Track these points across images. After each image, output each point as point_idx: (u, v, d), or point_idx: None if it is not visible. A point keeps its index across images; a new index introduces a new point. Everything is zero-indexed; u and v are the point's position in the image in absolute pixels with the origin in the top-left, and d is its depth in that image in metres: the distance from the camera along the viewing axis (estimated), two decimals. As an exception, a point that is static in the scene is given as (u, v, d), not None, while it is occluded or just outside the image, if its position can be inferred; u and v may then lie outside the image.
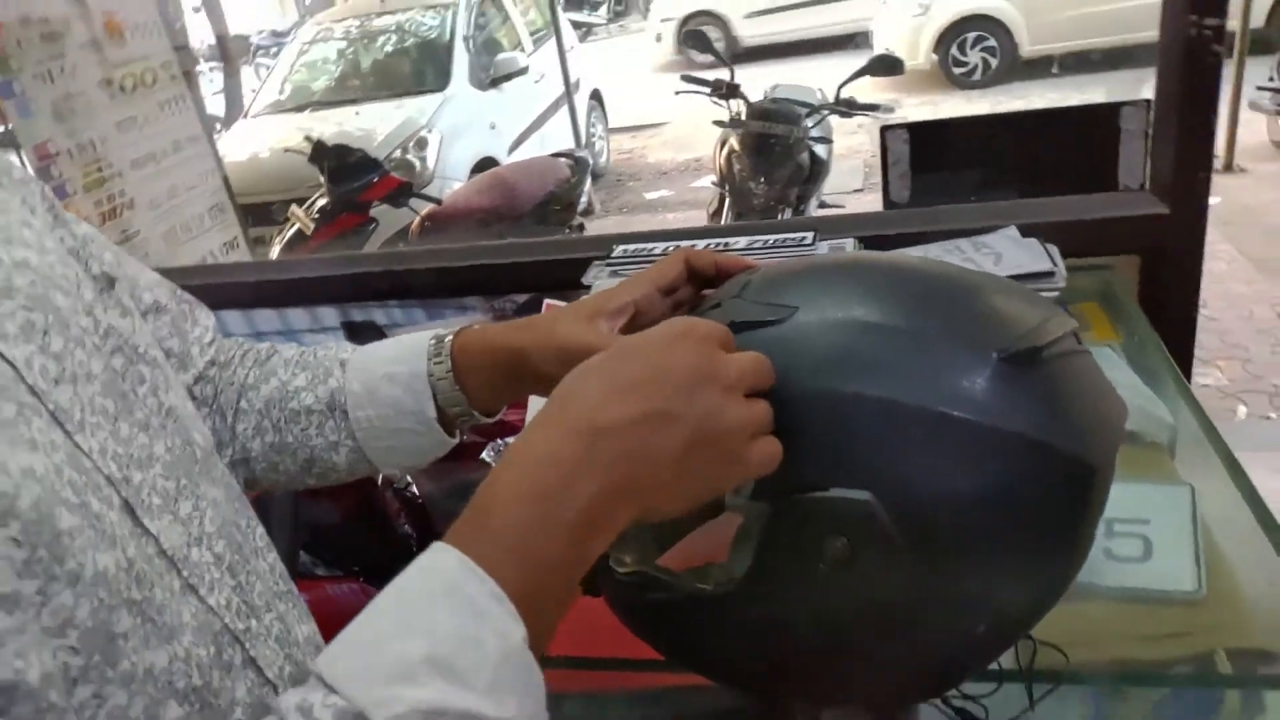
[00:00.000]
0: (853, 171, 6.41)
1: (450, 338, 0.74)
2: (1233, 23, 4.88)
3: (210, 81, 7.19)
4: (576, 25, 10.58)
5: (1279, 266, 4.25)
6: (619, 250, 1.35)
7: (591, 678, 0.61)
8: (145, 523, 0.53)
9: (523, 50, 6.80)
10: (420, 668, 0.43)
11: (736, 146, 4.12)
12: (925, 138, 1.52)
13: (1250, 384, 3.34)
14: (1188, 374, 1.26)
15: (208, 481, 0.61)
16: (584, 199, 4.68)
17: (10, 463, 0.44)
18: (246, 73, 10.48)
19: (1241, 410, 3.18)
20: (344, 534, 1.72)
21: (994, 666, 0.65)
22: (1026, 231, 1.26)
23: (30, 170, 2.05)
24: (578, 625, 0.85)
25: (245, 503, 0.67)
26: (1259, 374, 3.40)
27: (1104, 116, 1.39)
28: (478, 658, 0.44)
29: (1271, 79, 5.52)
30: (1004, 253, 1.22)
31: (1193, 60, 1.19)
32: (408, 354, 0.75)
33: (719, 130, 4.39)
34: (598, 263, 1.35)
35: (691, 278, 0.72)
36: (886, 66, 3.79)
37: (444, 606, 0.45)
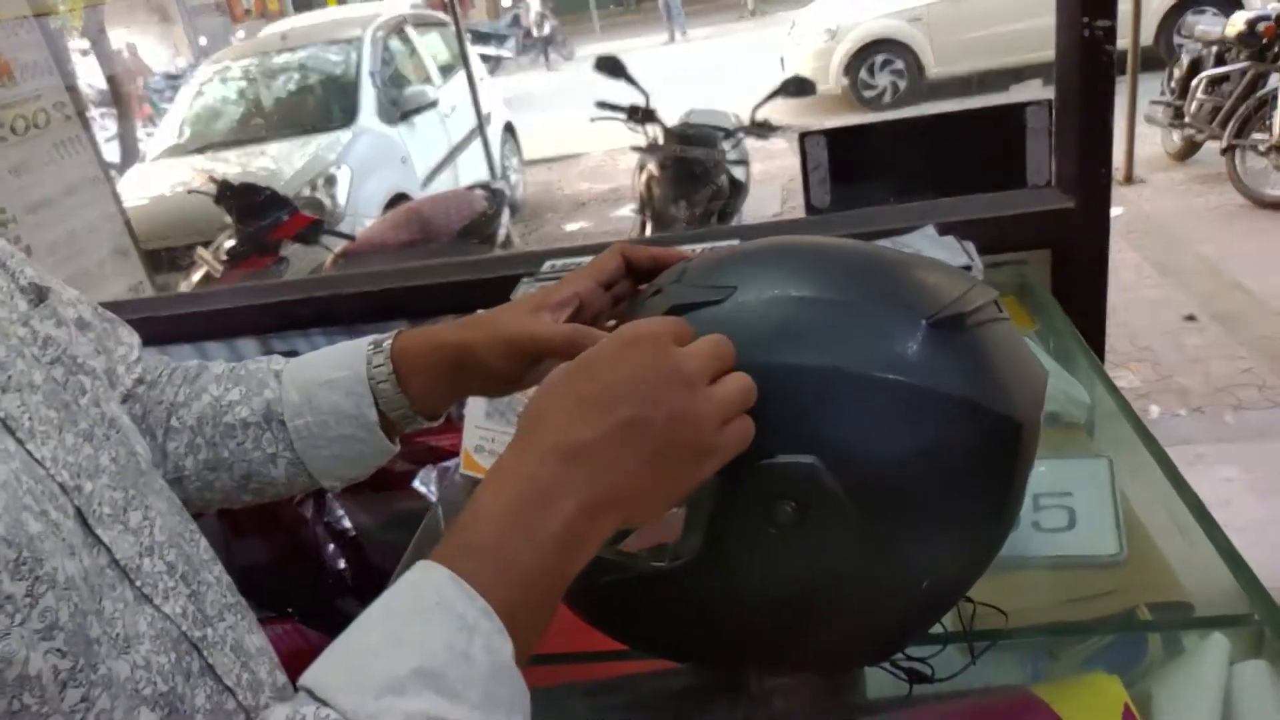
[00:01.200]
0: (770, 196, 6.53)
1: (389, 341, 0.74)
2: (1124, 41, 5.14)
3: (102, 128, 6.98)
4: (485, 59, 10.59)
5: (1181, 270, 4.44)
6: (548, 266, 1.36)
7: (547, 673, 0.61)
8: (98, 532, 0.53)
9: (431, 84, 6.78)
10: (411, 680, 0.43)
11: (655, 171, 4.17)
12: (843, 143, 1.56)
13: (1160, 384, 3.49)
14: (1101, 358, 1.32)
15: (152, 493, 0.61)
16: (502, 231, 4.67)
17: None
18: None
19: (1154, 409, 3.32)
20: (276, 573, 1.67)
21: (937, 629, 0.67)
22: (944, 230, 1.31)
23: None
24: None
25: (187, 515, 0.66)
26: (1168, 374, 3.55)
27: (1010, 116, 1.44)
28: (469, 672, 0.44)
29: (1163, 93, 5.80)
30: (923, 250, 1.26)
31: (1088, 59, 1.25)
32: (347, 359, 0.74)
33: (636, 158, 4.44)
34: (526, 279, 1.35)
35: (629, 271, 0.73)
36: (799, 87, 3.89)
37: (434, 621, 0.45)
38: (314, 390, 0.74)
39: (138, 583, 0.54)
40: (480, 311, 0.74)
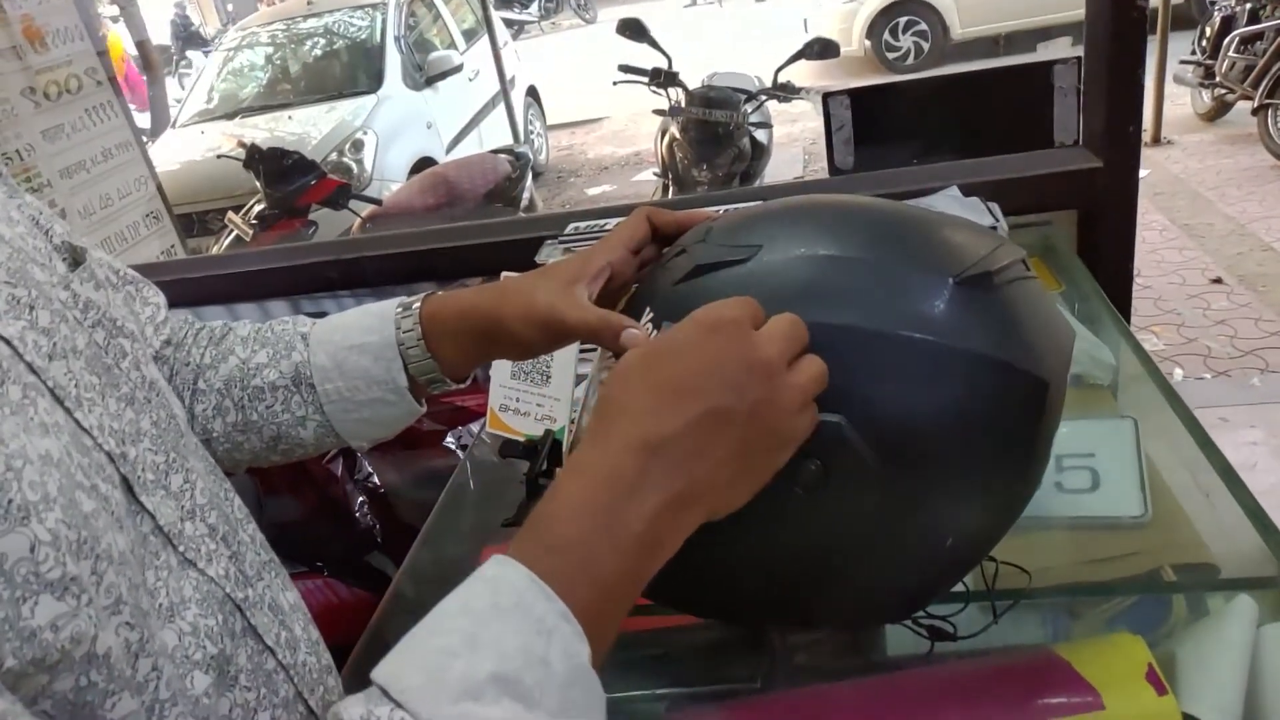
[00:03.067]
0: (793, 159, 6.48)
1: (418, 304, 0.74)
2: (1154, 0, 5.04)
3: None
4: (508, 23, 10.52)
5: (1208, 232, 4.38)
6: (572, 228, 1.36)
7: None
8: (142, 500, 0.53)
9: (456, 49, 6.75)
10: (488, 686, 0.42)
11: (678, 134, 4.14)
12: (867, 103, 1.55)
13: (1185, 347, 3.46)
14: (1127, 319, 1.31)
15: (191, 454, 0.61)
16: (526, 196, 4.66)
17: (31, 449, 0.43)
18: (170, 83, 10.28)
19: (1178, 373, 3.29)
20: (307, 529, 1.70)
21: (960, 588, 0.68)
22: (968, 191, 1.30)
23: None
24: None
25: (222, 475, 0.67)
26: (1192, 337, 3.52)
27: (1037, 75, 1.43)
28: (545, 677, 0.43)
29: (1194, 53, 5.69)
30: (948, 211, 1.26)
31: (1119, 15, 1.24)
32: (375, 323, 0.74)
33: (658, 122, 4.41)
34: (550, 241, 1.35)
35: (654, 235, 0.72)
36: (822, 49, 3.83)
37: (511, 623, 0.44)
38: (343, 354, 0.74)
39: (180, 548, 0.55)
40: (511, 277, 0.74)
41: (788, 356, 0.52)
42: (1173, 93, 5.68)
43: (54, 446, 0.45)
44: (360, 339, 0.74)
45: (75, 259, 0.60)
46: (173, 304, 0.80)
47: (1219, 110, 5.69)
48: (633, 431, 0.49)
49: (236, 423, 0.75)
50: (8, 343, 0.47)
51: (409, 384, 0.74)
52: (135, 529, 0.51)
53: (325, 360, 0.74)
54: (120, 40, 6.88)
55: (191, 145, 5.66)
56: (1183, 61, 5.67)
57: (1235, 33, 5.27)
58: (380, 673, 0.43)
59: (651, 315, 0.62)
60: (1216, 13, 5.55)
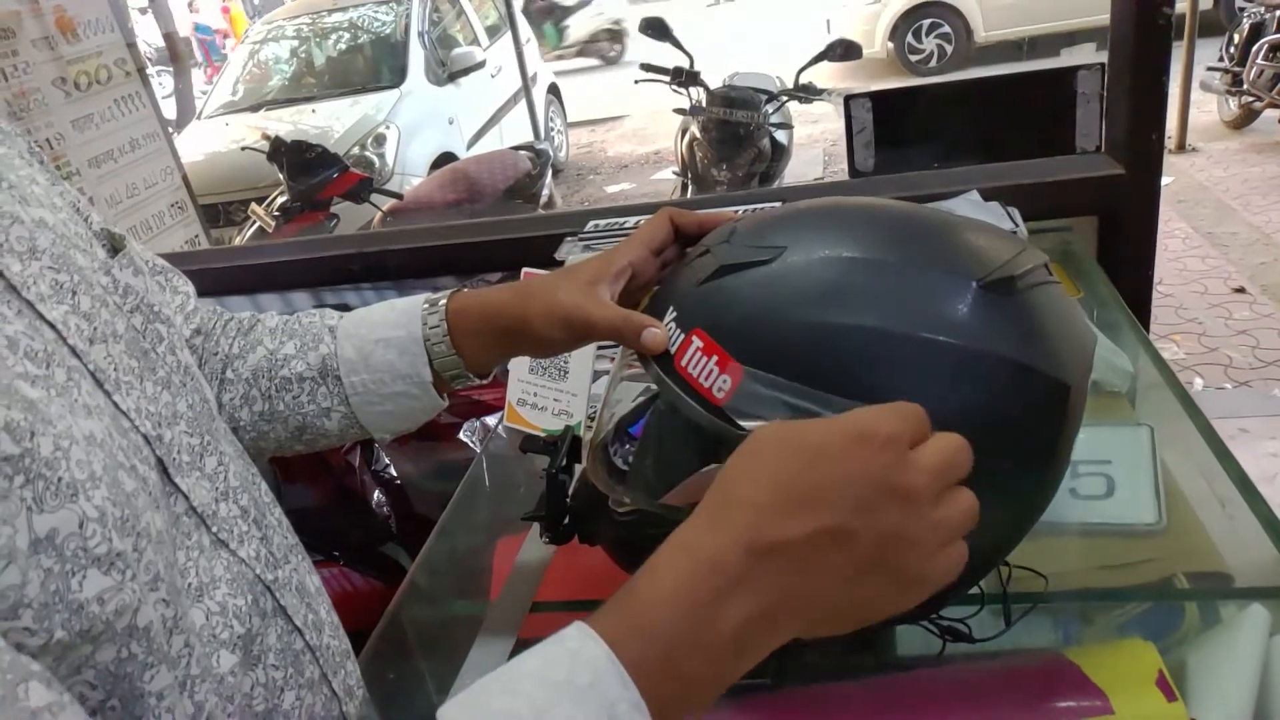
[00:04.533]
0: (813, 160, 6.47)
1: (444, 301, 0.75)
2: (1181, 4, 5.00)
3: (160, 85, 7.08)
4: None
5: (1232, 241, 4.35)
6: (591, 225, 1.37)
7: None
8: (177, 481, 0.54)
9: (479, 45, 6.78)
10: None
11: (698, 134, 4.14)
12: (888, 106, 1.55)
13: (1206, 357, 3.43)
14: (1146, 327, 1.31)
15: (223, 438, 0.62)
16: (545, 192, 4.68)
17: (76, 430, 0.44)
18: (195, 75, 10.36)
19: (1198, 382, 3.27)
20: (324, 518, 1.72)
21: (975, 591, 0.68)
22: (988, 195, 1.30)
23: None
24: (575, 572, 0.88)
25: (249, 459, 0.68)
26: (1214, 346, 3.49)
27: (1060, 81, 1.42)
28: None
29: (1221, 59, 5.64)
30: (967, 216, 1.26)
31: (1144, 22, 1.23)
32: (402, 318, 0.75)
33: (679, 121, 4.41)
34: (570, 238, 1.36)
35: (676, 236, 0.73)
36: (845, 51, 3.83)
37: (583, 704, 0.43)
38: (369, 348, 0.75)
39: (214, 528, 0.56)
40: (534, 275, 0.74)
41: (938, 488, 0.47)
42: (1199, 99, 5.63)
43: (97, 428, 0.46)
44: (387, 333, 0.75)
45: (114, 246, 0.61)
46: (198, 294, 0.81)
47: (1246, 118, 5.64)
48: (745, 524, 0.46)
49: (263, 412, 0.77)
50: (53, 326, 0.48)
51: (433, 378, 0.75)
52: (169, 509, 0.52)
53: (352, 353, 0.75)
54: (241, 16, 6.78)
55: (217, 137, 5.71)
56: (1210, 68, 5.62)
57: (1264, 40, 5.23)
58: (445, 713, 0.43)
59: (675, 315, 0.63)
60: (1245, 19, 5.50)
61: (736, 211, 0.73)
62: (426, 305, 0.75)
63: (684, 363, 0.60)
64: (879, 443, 0.46)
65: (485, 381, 0.78)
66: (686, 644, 0.45)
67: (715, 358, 0.59)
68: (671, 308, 0.63)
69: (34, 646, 0.39)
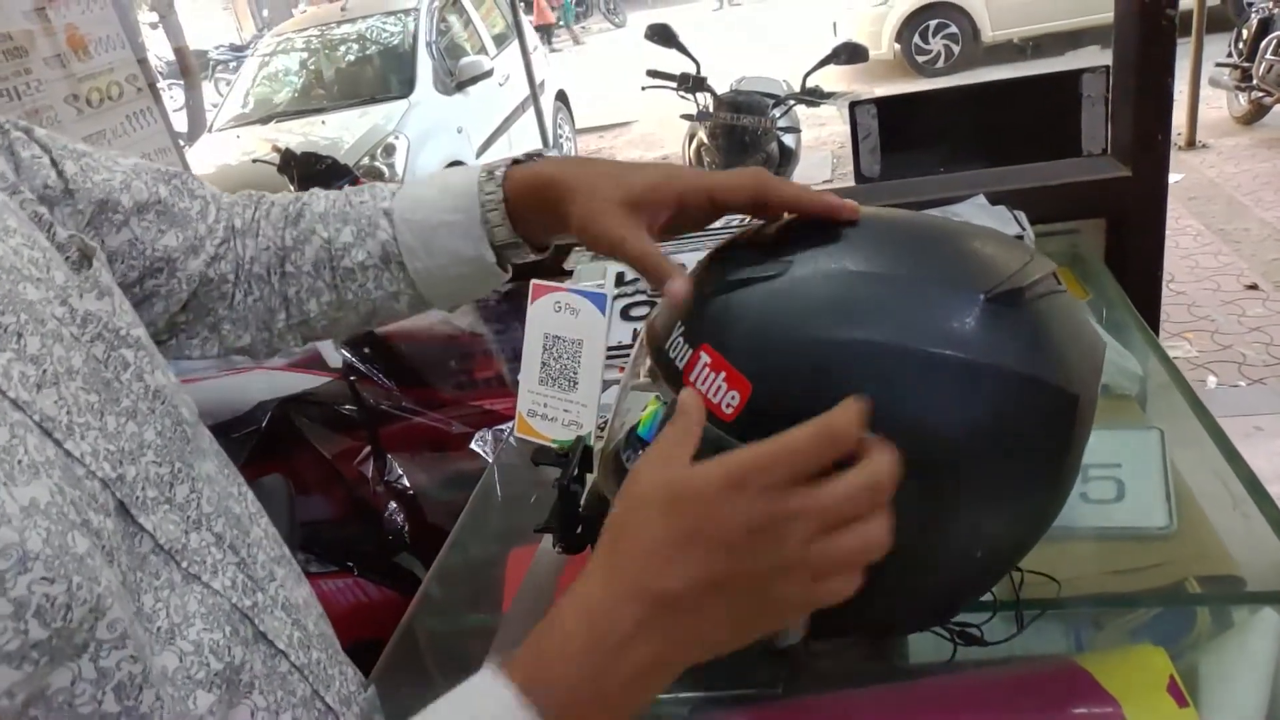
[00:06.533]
0: (821, 163, 6.47)
1: (501, 174, 0.73)
2: (1188, 0, 4.98)
3: (171, 98, 7.13)
4: (538, 28, 10.56)
5: (1244, 238, 4.33)
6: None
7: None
8: (140, 521, 0.52)
9: (486, 54, 6.80)
10: None
11: (705, 139, 4.14)
12: (893, 112, 1.55)
13: (1219, 354, 3.42)
14: (1155, 329, 1.31)
15: (199, 457, 0.60)
16: (555, 199, 4.67)
17: (11, 506, 0.42)
18: (206, 88, 10.42)
19: (1211, 380, 3.25)
20: (337, 529, 1.73)
21: (987, 596, 0.68)
22: (995, 199, 1.30)
23: None
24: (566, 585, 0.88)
25: (234, 471, 0.66)
26: (1227, 344, 3.48)
27: (1065, 84, 1.42)
28: None
29: (1229, 55, 5.62)
30: (973, 220, 1.26)
31: (1147, 25, 1.23)
32: (460, 200, 0.73)
33: (686, 125, 4.41)
34: (579, 247, 1.37)
35: (756, 208, 0.67)
36: (851, 54, 3.82)
37: None
38: (428, 233, 0.74)
39: (184, 563, 0.54)
40: (594, 164, 0.70)
41: (814, 531, 0.47)
42: (1208, 96, 5.61)
43: (41, 491, 0.45)
44: (446, 217, 0.74)
45: (84, 255, 0.58)
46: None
47: (1256, 114, 5.62)
48: (635, 576, 0.48)
49: (332, 302, 0.77)
50: None
51: (495, 256, 0.74)
52: (133, 551, 0.51)
53: (412, 239, 0.75)
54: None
55: (227, 149, 5.75)
56: (1219, 64, 5.60)
57: (1273, 35, 5.21)
58: None
59: (682, 330, 0.63)
60: (1254, 15, 5.48)
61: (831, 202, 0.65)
62: (484, 175, 0.73)
63: (692, 378, 0.60)
64: (753, 489, 0.47)
65: (545, 255, 0.78)
66: (588, 688, 0.47)
67: (723, 373, 0.59)
68: (679, 322, 0.64)
69: None
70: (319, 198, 0.79)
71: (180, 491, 0.57)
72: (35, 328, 0.50)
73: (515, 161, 0.74)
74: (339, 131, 5.66)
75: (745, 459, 0.48)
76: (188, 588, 0.54)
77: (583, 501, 0.78)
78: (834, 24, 8.79)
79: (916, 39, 8.38)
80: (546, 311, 1.13)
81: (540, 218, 0.72)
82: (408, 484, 1.73)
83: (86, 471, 0.49)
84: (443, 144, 5.84)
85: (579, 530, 0.77)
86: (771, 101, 4.02)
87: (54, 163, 0.65)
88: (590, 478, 0.78)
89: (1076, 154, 1.44)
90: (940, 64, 8.35)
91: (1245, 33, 5.50)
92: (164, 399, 0.59)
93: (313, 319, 0.77)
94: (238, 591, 0.57)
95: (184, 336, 0.76)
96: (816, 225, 0.65)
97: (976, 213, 1.28)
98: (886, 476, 0.48)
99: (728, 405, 0.58)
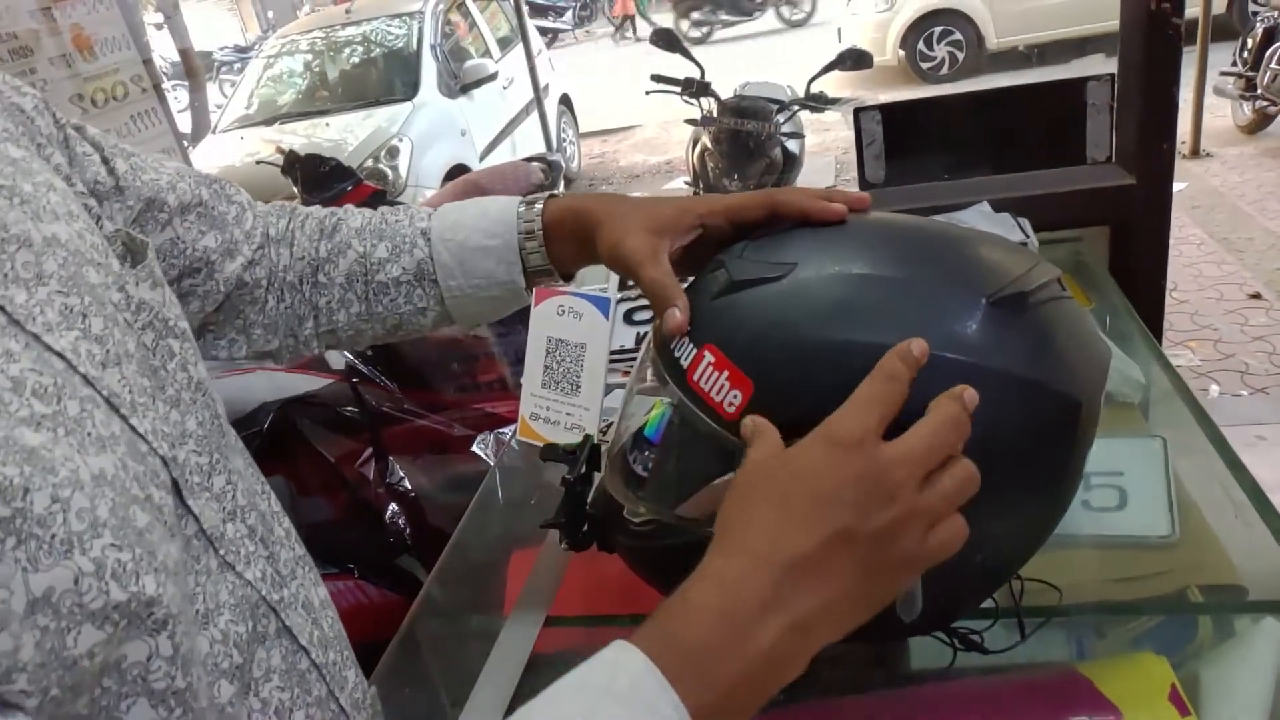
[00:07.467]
0: (825, 168, 6.47)
1: (540, 206, 0.77)
2: (1193, 9, 4.98)
3: (175, 99, 7.14)
4: (543, 31, 10.59)
5: (1248, 247, 4.32)
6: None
7: (603, 634, 0.64)
8: (189, 503, 0.53)
9: (490, 57, 6.81)
10: None
11: (709, 144, 4.14)
12: (898, 118, 1.55)
13: (1222, 363, 3.41)
14: (1158, 337, 1.31)
15: (231, 452, 0.61)
16: (558, 203, 4.68)
17: (83, 472, 0.43)
18: (211, 90, 10.44)
19: (1214, 389, 3.25)
20: (338, 531, 1.73)
21: (989, 604, 0.68)
22: (999, 206, 1.30)
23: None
24: (589, 586, 0.88)
25: (257, 470, 0.67)
26: (1230, 353, 3.47)
27: (1070, 91, 1.42)
28: None
29: (1234, 64, 5.62)
30: (977, 227, 1.26)
31: (1153, 33, 1.23)
32: (497, 226, 0.78)
33: (690, 130, 4.42)
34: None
35: (771, 222, 0.70)
36: (856, 60, 3.82)
37: (627, 705, 0.45)
38: (467, 255, 0.78)
39: (221, 551, 0.55)
40: (620, 199, 0.75)
41: (918, 476, 0.50)
42: (1213, 104, 5.60)
43: (109, 462, 0.45)
44: (484, 241, 0.78)
45: (132, 251, 0.59)
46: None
47: (1260, 123, 5.62)
48: (760, 547, 0.49)
49: (360, 314, 0.80)
50: (61, 356, 0.47)
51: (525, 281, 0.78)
52: (182, 534, 0.51)
53: (448, 260, 0.78)
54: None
55: (231, 150, 5.74)
56: (1223, 73, 5.60)
57: (1278, 44, 5.21)
58: None
59: (687, 330, 0.63)
60: (1259, 24, 5.49)
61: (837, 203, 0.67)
62: (523, 207, 0.77)
63: (696, 377, 0.61)
64: (853, 446, 0.50)
65: (567, 284, 0.82)
66: (727, 661, 0.47)
67: (726, 373, 0.59)
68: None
69: (30, 707, 0.39)
70: (355, 214, 0.82)
71: (218, 482, 0.58)
72: (98, 309, 0.51)
73: (551, 195, 0.79)
74: (343, 134, 5.66)
75: (836, 424, 0.52)
76: (221, 576, 0.54)
77: (589, 499, 0.78)
78: (838, 30, 8.80)
79: (921, 45, 8.39)
80: (550, 315, 1.13)
81: (572, 245, 0.76)
82: (409, 486, 1.73)
83: (149, 449, 0.50)
84: (446, 147, 5.84)
85: (585, 528, 0.77)
86: (775, 107, 4.02)
87: (105, 160, 0.66)
88: (597, 476, 0.79)
89: (1081, 162, 1.44)
90: (944, 71, 8.35)
91: (1250, 42, 5.50)
92: (204, 391, 0.60)
93: (340, 329, 0.80)
94: (267, 584, 0.58)
95: (213, 337, 0.79)
96: (820, 227, 0.66)
97: (980, 220, 1.28)
98: (962, 412, 0.52)
99: (730, 404, 0.59)
